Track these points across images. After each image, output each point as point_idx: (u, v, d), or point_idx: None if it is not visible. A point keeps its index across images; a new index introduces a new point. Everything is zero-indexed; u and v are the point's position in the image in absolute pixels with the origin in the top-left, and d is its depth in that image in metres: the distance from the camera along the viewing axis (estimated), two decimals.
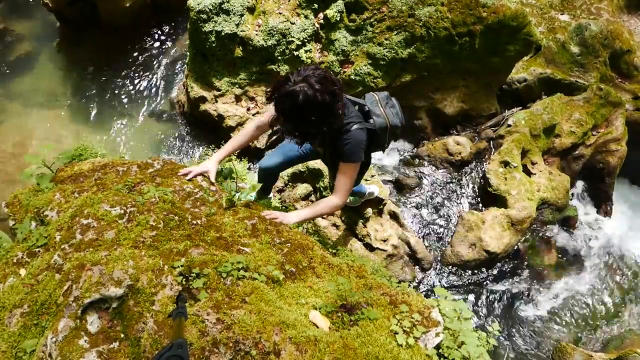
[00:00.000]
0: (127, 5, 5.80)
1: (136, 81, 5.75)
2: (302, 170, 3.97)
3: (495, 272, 4.43)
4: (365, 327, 1.56)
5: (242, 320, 1.43)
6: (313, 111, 1.92)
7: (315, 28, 4.44)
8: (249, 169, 4.35)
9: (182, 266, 1.60)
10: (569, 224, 4.95)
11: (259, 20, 4.45)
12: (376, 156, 5.05)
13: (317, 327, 1.55)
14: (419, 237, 4.34)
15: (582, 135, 4.94)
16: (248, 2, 4.38)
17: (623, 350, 3.69)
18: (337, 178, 2.26)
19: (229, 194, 2.18)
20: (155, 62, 5.93)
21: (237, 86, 4.67)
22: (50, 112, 5.47)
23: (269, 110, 2.20)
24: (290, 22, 4.39)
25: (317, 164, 3.90)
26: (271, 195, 3.56)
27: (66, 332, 1.48)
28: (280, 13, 4.42)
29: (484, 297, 4.33)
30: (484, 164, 4.84)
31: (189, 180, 2.17)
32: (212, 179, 2.21)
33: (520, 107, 5.23)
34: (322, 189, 3.90)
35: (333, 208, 2.32)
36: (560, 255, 4.79)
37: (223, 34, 4.37)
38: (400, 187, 4.77)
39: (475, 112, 5.02)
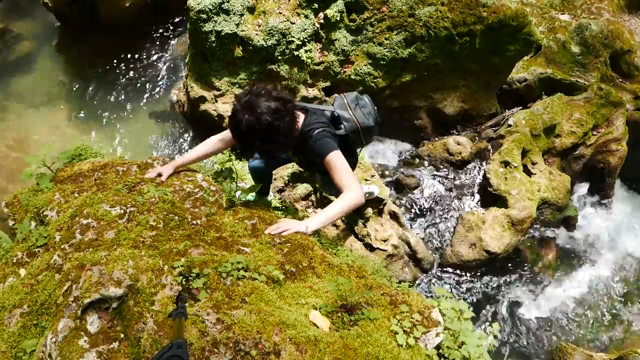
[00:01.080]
0: (127, 5, 5.80)
1: (136, 81, 5.75)
2: (302, 170, 3.97)
3: (495, 272, 4.42)
4: (366, 327, 1.56)
5: (242, 320, 1.43)
6: (256, 136, 1.92)
7: (316, 28, 4.44)
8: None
9: (182, 266, 1.60)
10: (569, 223, 4.95)
11: (259, 20, 4.44)
12: (375, 156, 5.07)
13: (317, 327, 1.55)
14: (419, 237, 4.34)
15: (582, 135, 4.94)
16: (248, 2, 4.38)
17: (623, 351, 3.69)
18: (334, 177, 2.13)
19: (229, 194, 2.18)
20: (155, 62, 5.93)
21: (237, 86, 4.67)
22: (50, 112, 5.47)
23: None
24: (291, 22, 4.39)
25: None
26: (271, 195, 3.55)
27: (66, 332, 1.48)
28: (280, 13, 4.42)
29: (484, 297, 4.33)
30: (484, 164, 4.84)
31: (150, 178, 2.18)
32: (164, 177, 2.19)
33: (521, 107, 5.23)
34: (322, 189, 3.90)
35: (354, 200, 2.07)
36: (560, 255, 4.78)
37: (223, 33, 4.37)
38: (400, 187, 4.77)
39: (476, 112, 5.02)
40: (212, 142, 2.31)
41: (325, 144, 2.13)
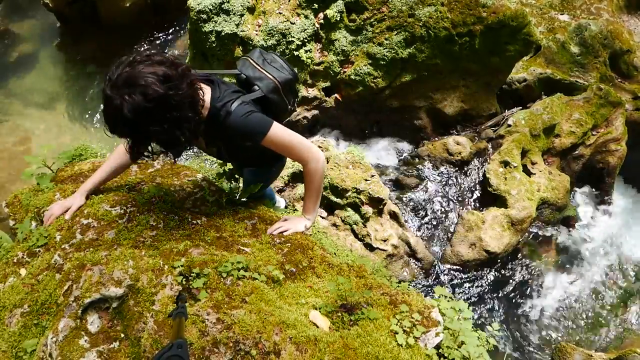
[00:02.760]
0: (127, 5, 5.80)
1: None
2: (302, 170, 3.97)
3: (495, 272, 4.43)
4: (365, 327, 1.56)
5: (242, 320, 1.43)
6: (147, 119, 1.41)
7: (315, 28, 4.44)
8: None
9: (182, 266, 1.60)
10: (569, 223, 4.95)
11: (259, 20, 4.45)
12: (375, 156, 5.07)
13: (317, 327, 1.55)
14: (419, 237, 4.34)
15: (582, 135, 4.94)
16: (248, 2, 4.39)
17: (623, 350, 3.69)
18: (286, 153, 1.88)
19: (229, 194, 2.18)
20: None
21: None
22: (50, 112, 5.47)
23: None
24: (290, 22, 4.39)
25: None
26: (278, 199, 3.50)
27: (66, 332, 1.48)
28: (280, 13, 4.42)
29: (484, 296, 4.33)
30: (484, 164, 4.84)
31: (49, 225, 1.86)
32: (69, 214, 1.84)
33: (520, 107, 5.23)
34: (323, 177, 3.90)
35: (320, 170, 1.87)
36: (560, 255, 4.79)
37: (223, 34, 4.37)
38: (400, 187, 4.77)
39: (475, 112, 5.02)
40: (120, 153, 1.86)
41: (258, 118, 1.72)
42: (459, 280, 4.31)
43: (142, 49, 6.00)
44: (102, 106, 1.47)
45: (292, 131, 1.79)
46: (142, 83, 1.36)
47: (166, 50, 6.03)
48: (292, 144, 1.79)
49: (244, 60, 1.96)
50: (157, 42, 6.11)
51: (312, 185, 1.91)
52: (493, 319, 4.23)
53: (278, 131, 1.73)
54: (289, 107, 2.04)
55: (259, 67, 1.92)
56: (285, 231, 1.92)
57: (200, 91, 1.57)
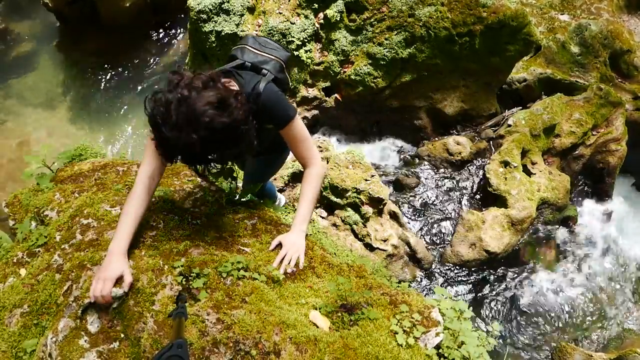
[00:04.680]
0: (127, 5, 5.80)
1: (136, 81, 5.75)
2: (302, 170, 3.97)
3: (495, 272, 4.43)
4: (365, 327, 1.56)
5: (242, 320, 1.43)
6: (220, 146, 1.44)
7: (315, 28, 4.44)
8: None
9: (182, 266, 1.60)
10: (569, 223, 4.95)
11: (259, 20, 4.45)
12: (375, 156, 5.07)
13: (317, 327, 1.55)
14: (419, 237, 4.34)
15: (582, 135, 4.94)
16: (248, 2, 4.39)
17: (623, 350, 3.69)
18: (297, 147, 1.84)
19: (229, 194, 2.18)
20: (155, 62, 5.94)
21: None
22: (50, 112, 5.48)
23: (149, 150, 1.62)
24: (290, 22, 4.39)
25: None
26: (281, 198, 3.48)
27: (66, 332, 1.48)
28: (280, 13, 4.42)
29: (484, 296, 4.33)
30: (484, 164, 4.84)
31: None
32: (128, 278, 1.52)
33: (520, 107, 5.23)
34: (322, 188, 3.90)
35: (322, 176, 1.88)
36: (560, 255, 4.79)
37: (223, 34, 4.37)
38: (400, 187, 4.77)
39: (475, 112, 5.02)
40: (142, 189, 1.64)
41: (286, 101, 1.73)
42: (459, 280, 4.31)
43: (142, 48, 6.00)
44: (149, 132, 1.48)
45: (307, 133, 1.82)
46: (205, 120, 1.36)
47: (166, 50, 6.03)
48: (308, 139, 1.81)
49: (241, 49, 1.94)
50: (157, 42, 6.11)
51: (314, 191, 1.87)
52: (493, 319, 4.23)
53: (300, 121, 1.77)
54: (289, 84, 2.06)
55: (259, 52, 1.91)
56: (294, 260, 1.78)
57: (233, 87, 1.57)
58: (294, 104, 4.75)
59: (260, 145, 1.86)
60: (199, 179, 2.22)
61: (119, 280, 1.49)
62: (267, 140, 1.98)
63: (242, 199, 2.17)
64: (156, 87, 1.48)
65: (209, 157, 1.48)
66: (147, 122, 1.47)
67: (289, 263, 1.76)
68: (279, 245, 1.84)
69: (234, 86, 1.63)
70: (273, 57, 1.92)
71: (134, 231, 1.62)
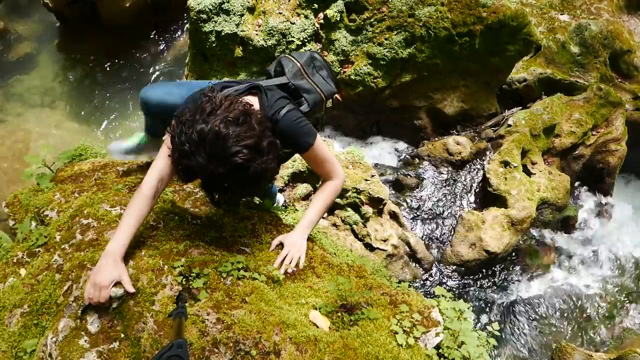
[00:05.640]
0: (127, 5, 5.80)
1: (136, 81, 5.75)
2: (302, 170, 3.97)
3: (495, 272, 4.43)
4: (365, 327, 1.56)
5: (242, 320, 1.43)
6: (248, 181, 1.45)
7: (315, 28, 4.44)
8: None
9: (182, 266, 1.60)
10: (569, 223, 4.95)
11: (259, 20, 4.45)
12: (375, 156, 5.07)
13: (317, 327, 1.55)
14: (419, 237, 4.34)
15: (582, 135, 4.94)
16: (248, 2, 4.38)
17: (623, 350, 3.69)
18: (320, 168, 1.83)
19: None
20: (155, 62, 5.94)
21: None
22: (50, 112, 5.47)
23: (164, 153, 1.57)
24: (290, 22, 4.39)
25: None
26: (280, 198, 3.44)
27: (66, 332, 1.48)
28: (280, 13, 4.42)
29: (484, 296, 4.33)
30: (484, 164, 4.84)
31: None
32: (128, 285, 1.49)
33: (520, 107, 5.23)
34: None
35: (340, 188, 1.86)
36: (560, 255, 4.79)
37: (223, 34, 4.37)
38: (400, 187, 4.77)
39: (475, 112, 5.02)
40: (150, 191, 1.59)
41: (309, 126, 1.70)
42: (459, 280, 4.31)
43: (142, 49, 6.00)
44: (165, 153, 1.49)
45: (328, 152, 1.81)
46: (237, 161, 1.36)
47: (166, 50, 6.03)
48: (330, 158, 1.80)
49: (293, 63, 1.87)
50: (157, 42, 6.11)
51: (327, 200, 1.85)
52: (493, 319, 4.23)
53: (321, 143, 1.74)
54: (323, 118, 2.02)
55: (308, 78, 1.86)
56: (295, 261, 1.78)
57: (253, 108, 1.53)
58: None
59: None
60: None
61: (116, 284, 1.49)
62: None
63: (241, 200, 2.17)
64: (182, 108, 1.43)
65: (231, 190, 1.46)
66: (169, 140, 1.44)
67: (289, 263, 1.76)
68: (280, 245, 1.84)
69: (253, 104, 1.60)
70: (318, 90, 1.86)
71: (136, 233, 1.57)
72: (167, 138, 1.56)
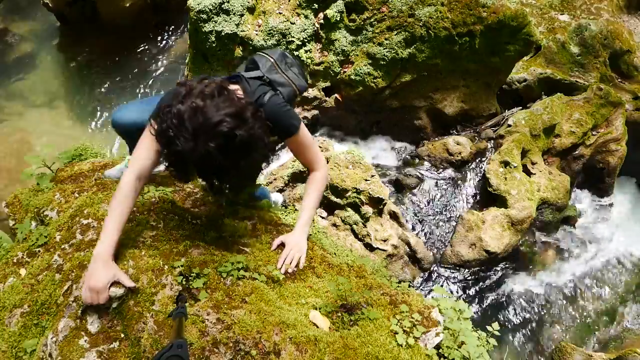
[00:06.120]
0: (127, 5, 5.80)
1: (136, 81, 5.75)
2: (302, 170, 3.97)
3: (495, 272, 4.43)
4: (365, 327, 1.56)
5: (242, 320, 1.43)
6: (239, 157, 1.40)
7: (315, 28, 4.44)
8: None
9: (182, 266, 1.60)
10: (569, 223, 4.95)
11: (259, 20, 4.45)
12: (375, 156, 5.07)
13: (317, 327, 1.55)
14: (419, 237, 4.34)
15: (582, 135, 4.94)
16: (248, 2, 4.38)
17: (623, 350, 3.69)
18: (303, 155, 1.83)
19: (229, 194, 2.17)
20: (155, 62, 5.93)
21: None
22: (50, 112, 5.48)
23: (140, 151, 1.58)
24: (290, 22, 4.39)
25: None
26: (273, 196, 3.45)
27: (66, 332, 1.48)
28: (280, 13, 4.42)
29: (484, 296, 4.33)
30: (484, 164, 4.84)
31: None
32: (127, 281, 1.49)
33: (520, 107, 5.23)
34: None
35: (325, 180, 1.88)
36: (560, 255, 4.79)
37: (223, 34, 4.37)
38: (400, 187, 4.77)
39: (475, 112, 5.02)
40: (131, 187, 1.57)
41: (291, 112, 1.70)
42: (459, 280, 4.31)
43: (142, 49, 6.00)
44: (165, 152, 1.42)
45: (313, 141, 1.82)
46: (223, 130, 1.32)
47: (166, 50, 6.03)
48: (314, 146, 1.81)
49: (266, 59, 1.90)
50: (157, 42, 6.11)
51: (319, 194, 1.86)
52: (493, 319, 4.23)
53: (305, 129, 1.74)
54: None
55: (282, 73, 1.89)
56: (296, 261, 1.79)
57: (238, 94, 1.52)
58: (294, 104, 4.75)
59: None
60: (199, 179, 2.21)
61: (113, 284, 1.49)
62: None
63: (241, 199, 2.17)
64: (161, 104, 1.41)
65: (225, 169, 1.42)
66: (155, 140, 1.41)
67: (290, 263, 1.78)
68: (281, 245, 1.85)
69: (241, 93, 1.60)
70: (292, 84, 1.90)
71: (121, 233, 1.56)
72: (143, 134, 1.57)
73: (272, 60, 1.90)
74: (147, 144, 1.56)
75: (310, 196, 1.88)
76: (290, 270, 1.75)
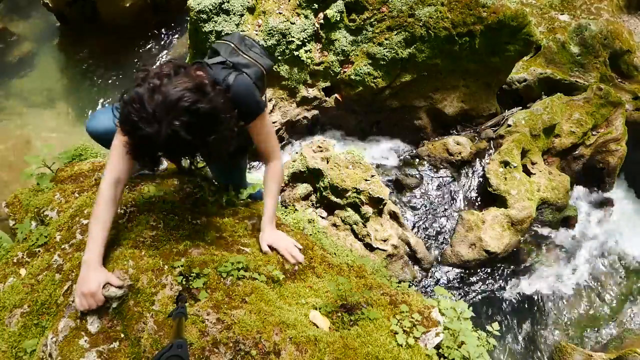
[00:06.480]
0: (127, 5, 5.80)
1: None
2: (302, 170, 3.97)
3: (495, 272, 4.43)
4: (365, 327, 1.56)
5: (242, 320, 1.43)
6: (204, 135, 1.37)
7: (315, 28, 4.44)
8: (249, 169, 4.35)
9: (182, 266, 1.60)
10: (568, 223, 4.95)
11: (259, 20, 4.45)
12: (375, 156, 5.07)
13: (317, 327, 1.55)
14: (419, 237, 4.34)
15: (582, 135, 4.94)
16: (248, 2, 4.38)
17: (623, 350, 3.69)
18: (262, 141, 1.81)
19: (229, 194, 2.18)
20: (155, 62, 5.93)
21: None
22: (50, 112, 5.48)
23: (114, 154, 1.57)
24: (290, 22, 4.39)
25: (317, 163, 3.90)
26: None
27: (66, 332, 1.48)
28: (280, 13, 4.42)
29: (483, 296, 4.33)
30: (484, 164, 4.84)
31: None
32: (118, 282, 1.50)
33: (520, 107, 5.23)
34: (322, 188, 3.90)
35: (282, 172, 1.88)
36: (560, 255, 4.79)
37: (223, 34, 4.37)
38: (400, 187, 4.77)
39: (475, 112, 5.02)
40: (111, 194, 1.57)
41: (258, 95, 1.70)
42: (459, 280, 4.31)
43: (142, 49, 6.00)
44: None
45: (272, 129, 1.82)
46: (184, 104, 1.29)
47: (166, 50, 6.03)
48: (273, 134, 1.82)
49: (226, 46, 1.87)
50: (157, 42, 6.11)
51: (278, 187, 1.88)
52: (493, 319, 4.23)
53: (261, 121, 1.72)
54: (264, 94, 2.01)
55: (243, 54, 1.86)
56: (296, 251, 1.84)
57: (202, 75, 1.51)
58: (294, 104, 4.75)
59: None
60: (198, 179, 2.22)
61: (105, 286, 1.49)
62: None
63: (241, 199, 2.17)
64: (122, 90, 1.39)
65: (194, 147, 1.40)
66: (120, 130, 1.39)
67: (293, 255, 1.82)
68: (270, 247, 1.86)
69: (202, 73, 1.56)
70: (256, 63, 1.87)
71: (107, 238, 1.56)
72: (115, 137, 1.57)
73: (232, 44, 1.87)
74: (119, 147, 1.53)
75: (271, 192, 1.88)
76: (301, 260, 1.80)
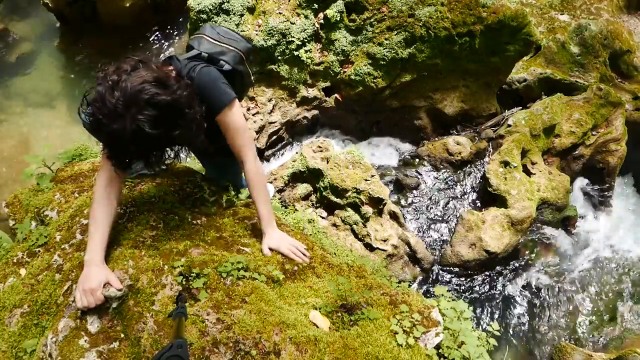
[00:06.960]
0: (127, 5, 5.80)
1: None
2: (302, 170, 3.97)
3: (495, 272, 4.43)
4: (365, 327, 1.56)
5: (242, 320, 1.43)
6: (167, 129, 1.36)
7: (315, 28, 4.44)
8: None
9: (182, 266, 1.60)
10: (569, 223, 4.95)
11: (259, 20, 4.45)
12: (375, 156, 5.07)
13: (317, 327, 1.55)
14: (419, 237, 4.34)
15: (582, 135, 4.94)
16: (248, 2, 4.39)
17: (623, 350, 3.69)
18: (233, 138, 1.74)
19: (229, 194, 2.18)
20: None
21: None
22: (50, 112, 5.48)
23: (104, 158, 1.52)
24: (290, 22, 4.39)
25: (317, 163, 3.90)
26: (269, 188, 3.43)
27: (66, 332, 1.48)
28: (280, 13, 4.42)
29: (484, 296, 4.33)
30: (484, 164, 4.84)
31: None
32: (117, 284, 1.50)
33: (520, 107, 5.23)
34: (322, 189, 3.90)
35: (260, 173, 1.81)
36: (560, 255, 4.79)
37: None
38: (400, 187, 4.77)
39: (475, 112, 5.02)
40: (103, 194, 1.58)
41: (224, 87, 1.65)
42: (459, 280, 4.31)
43: (142, 49, 6.00)
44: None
45: (244, 122, 1.76)
46: (145, 97, 1.30)
47: (166, 50, 6.03)
48: (244, 130, 1.74)
49: (199, 39, 1.85)
50: (157, 42, 6.11)
51: (265, 190, 1.84)
52: (493, 319, 4.23)
53: (238, 110, 1.69)
54: (252, 79, 2.00)
55: (217, 42, 1.84)
56: (298, 247, 1.86)
57: (171, 70, 1.53)
58: (294, 104, 4.75)
59: (218, 141, 1.77)
60: (198, 179, 2.22)
61: (105, 286, 1.49)
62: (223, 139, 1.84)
63: (241, 199, 2.17)
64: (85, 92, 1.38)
65: (160, 142, 1.40)
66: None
67: (297, 253, 1.83)
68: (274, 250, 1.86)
69: (170, 68, 1.56)
70: (232, 48, 1.84)
71: (107, 239, 1.57)
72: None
73: (204, 36, 1.86)
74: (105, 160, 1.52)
75: (260, 197, 1.83)
76: (306, 258, 1.82)
